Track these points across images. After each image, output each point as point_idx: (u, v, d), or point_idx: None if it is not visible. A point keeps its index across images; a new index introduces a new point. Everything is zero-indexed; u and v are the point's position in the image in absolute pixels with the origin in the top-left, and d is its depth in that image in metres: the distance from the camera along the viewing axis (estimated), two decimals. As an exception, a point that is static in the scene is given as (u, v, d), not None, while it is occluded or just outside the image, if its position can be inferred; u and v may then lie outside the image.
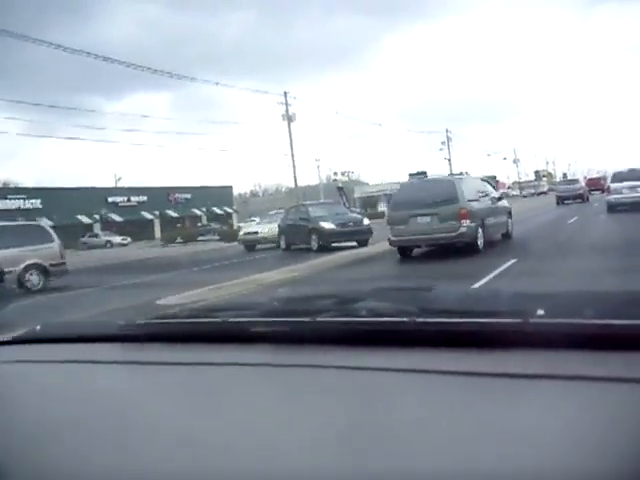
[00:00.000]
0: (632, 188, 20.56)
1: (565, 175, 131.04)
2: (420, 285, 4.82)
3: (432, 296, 1.78)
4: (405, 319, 1.15)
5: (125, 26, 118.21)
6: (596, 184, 45.63)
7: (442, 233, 12.63)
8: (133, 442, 0.91)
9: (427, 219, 12.91)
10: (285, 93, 41.48)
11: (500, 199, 16.05)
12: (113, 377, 1.29)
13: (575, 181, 43.69)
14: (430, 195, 13.03)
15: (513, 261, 10.62)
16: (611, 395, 0.85)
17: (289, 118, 41.43)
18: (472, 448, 0.76)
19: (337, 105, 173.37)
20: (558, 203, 35.58)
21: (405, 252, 13.71)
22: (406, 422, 0.87)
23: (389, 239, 13.71)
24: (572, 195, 36.67)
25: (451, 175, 15.99)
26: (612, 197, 21.45)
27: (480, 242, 12.90)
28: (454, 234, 12.55)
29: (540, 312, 1.09)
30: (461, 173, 16.44)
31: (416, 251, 13.89)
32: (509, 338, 1.03)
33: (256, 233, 24.87)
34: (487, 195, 14.68)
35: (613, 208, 20.84)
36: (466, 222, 12.58)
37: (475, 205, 13.23)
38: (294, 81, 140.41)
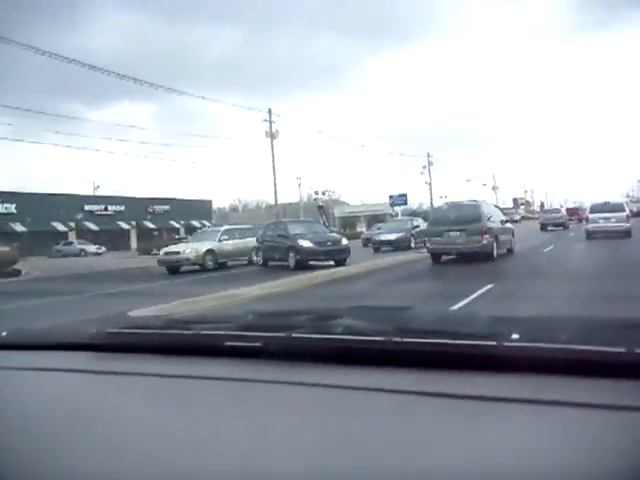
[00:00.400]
0: (606, 219, 23.78)
1: (543, 204, 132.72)
2: (397, 305, 4.85)
3: (409, 316, 1.78)
4: (381, 338, 1.15)
5: (111, 35, 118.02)
6: (574, 213, 51.89)
7: (468, 244, 16.70)
8: (101, 453, 0.89)
9: (457, 234, 16.98)
10: (269, 110, 41.64)
11: (507, 222, 19.91)
12: (82, 386, 1.27)
13: (558, 210, 47.97)
14: (459, 215, 17.21)
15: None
16: (579, 421, 0.85)
17: (272, 135, 41.54)
18: (443, 467, 0.76)
19: (320, 124, 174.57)
20: (542, 229, 38.46)
21: (438, 258, 17.63)
22: (379, 442, 0.86)
23: (427, 247, 18.05)
24: (555, 223, 40.07)
25: (450, 201, 20.51)
26: (590, 226, 24.40)
27: (495, 252, 17.07)
28: (478, 245, 16.62)
29: (515, 336, 1.10)
30: (441, 197, 20.67)
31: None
32: (483, 360, 1.04)
33: (178, 253, 22.03)
34: (498, 218, 18.80)
35: (591, 235, 23.83)
36: (486, 237, 16.68)
37: (492, 225, 17.35)
38: (278, 99, 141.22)
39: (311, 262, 18.99)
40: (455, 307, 8.44)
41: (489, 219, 17.33)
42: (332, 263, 19.06)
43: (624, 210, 24.28)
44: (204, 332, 1.42)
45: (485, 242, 16.63)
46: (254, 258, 22.32)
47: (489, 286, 10.59)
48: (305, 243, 19.37)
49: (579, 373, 0.96)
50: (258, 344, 1.25)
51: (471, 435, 0.85)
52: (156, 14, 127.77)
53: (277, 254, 20.45)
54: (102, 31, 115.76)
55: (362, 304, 5.66)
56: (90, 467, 0.85)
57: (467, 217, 17.05)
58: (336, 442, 0.87)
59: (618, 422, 0.84)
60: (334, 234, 22.79)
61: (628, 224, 23.19)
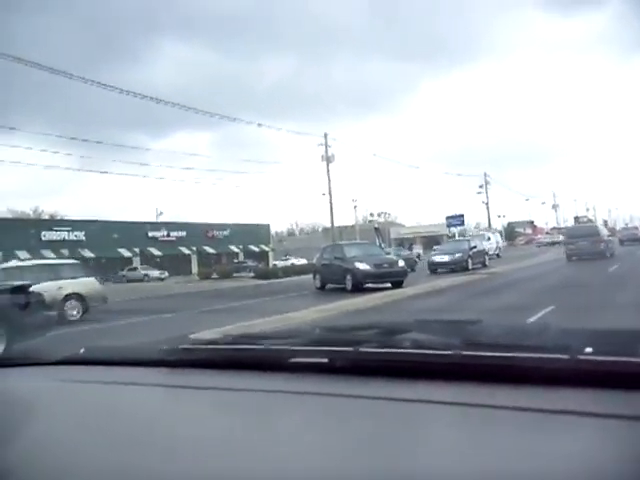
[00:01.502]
0: None
1: (606, 222, 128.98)
2: (464, 318, 4.77)
3: (477, 329, 1.76)
4: (450, 352, 1.14)
5: (170, 68, 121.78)
6: None
7: (593, 249, 26.68)
8: (177, 464, 0.91)
9: (585, 242, 27.23)
10: (325, 134, 42.04)
11: (610, 236, 31.53)
12: (155, 400, 1.31)
13: (636, 227, 55.24)
14: (585, 232, 28.79)
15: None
16: None
17: (328, 159, 41.91)
18: None
19: (375, 147, 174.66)
20: (621, 244, 43.53)
21: (571, 258, 27.45)
22: (449, 456, 0.85)
23: (566, 252, 28.32)
24: (631, 238, 45.84)
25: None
26: None
27: (608, 254, 27.41)
28: (598, 250, 26.78)
29: (588, 349, 1.07)
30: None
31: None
32: (555, 374, 1.02)
33: None
34: (606, 234, 30.56)
35: None
36: (603, 244, 27.70)
37: (606, 237, 29.18)
38: (333, 123, 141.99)
39: (368, 284, 18.90)
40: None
41: (606, 234, 29.56)
42: (389, 285, 18.92)
43: None
44: (273, 347, 1.44)
45: (603, 247, 27.65)
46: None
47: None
48: (362, 265, 19.28)
49: None
50: (325, 359, 1.26)
51: (548, 450, 0.83)
52: (211, 44, 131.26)
53: (334, 276, 20.43)
54: (161, 65, 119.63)
55: (427, 318, 5.59)
56: (169, 477, 0.87)
57: (590, 232, 28.77)
58: (409, 456, 0.87)
59: None
60: (391, 256, 22.65)
61: None
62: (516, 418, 0.94)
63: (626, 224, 74.00)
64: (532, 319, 9.07)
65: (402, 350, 1.25)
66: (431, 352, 1.19)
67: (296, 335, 1.72)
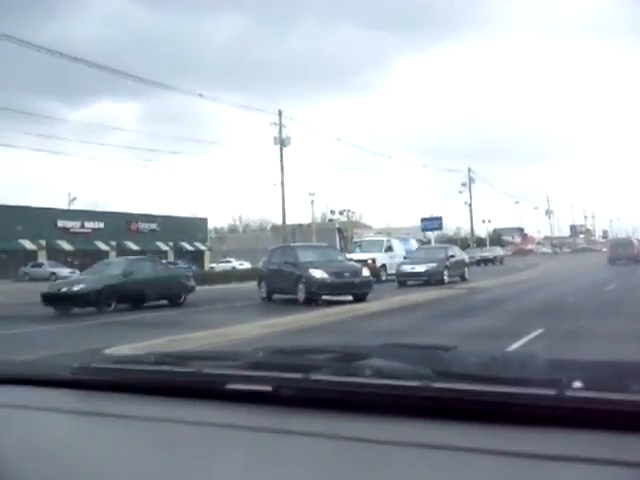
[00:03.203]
0: None
1: (606, 232, 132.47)
2: (437, 343, 4.77)
3: (452, 357, 1.78)
4: (418, 383, 1.15)
5: (93, 24, 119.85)
6: None
7: (627, 255, 44.85)
8: None
9: (622, 250, 46.52)
10: (279, 112, 41.96)
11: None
12: (63, 427, 1.29)
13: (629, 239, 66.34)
14: (624, 243, 50.71)
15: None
16: None
17: (282, 141, 41.83)
18: None
19: (340, 132, 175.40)
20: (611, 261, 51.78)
21: (614, 261, 43.41)
22: None
23: (608, 257, 46.13)
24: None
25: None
26: None
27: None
28: (632, 254, 45.26)
29: (577, 384, 1.10)
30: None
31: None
32: (540, 412, 1.04)
33: None
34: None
35: None
36: (637, 250, 46.83)
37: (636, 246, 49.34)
38: (290, 101, 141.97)
39: (325, 296, 18.82)
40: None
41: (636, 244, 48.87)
42: (350, 298, 18.91)
43: None
44: (205, 371, 1.43)
45: (635, 252, 44.77)
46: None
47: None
48: (318, 273, 19.17)
49: None
50: (269, 387, 1.25)
51: None
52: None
53: (284, 285, 20.31)
54: (82, 19, 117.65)
55: (395, 342, 5.61)
56: None
57: (628, 243, 49.14)
58: None
59: None
60: (353, 263, 22.72)
61: None
62: (493, 463, 0.96)
63: (628, 236, 78.50)
64: (517, 344, 9.23)
65: (361, 380, 1.25)
66: (395, 383, 1.20)
67: (233, 357, 1.72)
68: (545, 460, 0.94)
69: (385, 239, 36.47)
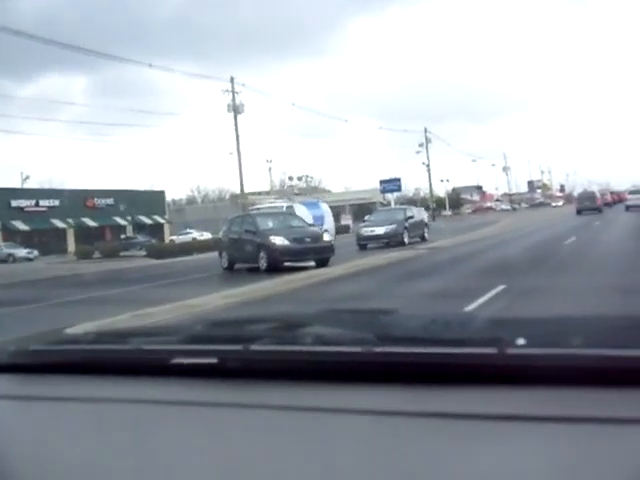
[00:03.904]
0: (636, 196, 50.44)
1: (563, 187, 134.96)
2: (378, 307, 4.84)
3: (393, 321, 1.78)
4: (359, 348, 1.15)
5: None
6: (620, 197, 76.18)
7: (592, 206, 50.59)
8: None
9: (588, 202, 52.14)
10: (232, 79, 41.57)
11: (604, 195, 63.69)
12: (3, 414, 1.26)
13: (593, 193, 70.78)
14: (590, 196, 56.34)
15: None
16: (602, 437, 0.85)
17: (236, 109, 41.53)
18: None
19: (294, 97, 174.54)
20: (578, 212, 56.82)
21: (581, 212, 48.95)
22: (359, 474, 0.85)
23: (577, 208, 51.14)
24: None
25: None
26: (628, 202, 50.43)
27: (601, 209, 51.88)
28: (596, 205, 51.54)
29: (520, 341, 1.10)
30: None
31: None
32: (481, 372, 1.03)
33: None
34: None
35: (627, 208, 47.65)
36: (599, 202, 53.32)
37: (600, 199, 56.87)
38: (242, 67, 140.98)
39: (287, 263, 18.92)
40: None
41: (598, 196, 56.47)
42: (312, 264, 19.02)
43: None
44: (146, 347, 1.41)
45: (598, 204, 51.67)
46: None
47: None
48: (278, 240, 19.18)
49: (599, 383, 0.95)
50: (211, 360, 1.24)
51: (471, 461, 0.84)
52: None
53: (245, 254, 20.31)
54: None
55: (336, 308, 5.67)
56: None
57: (592, 195, 56.02)
58: (311, 476, 0.86)
59: None
60: (314, 228, 22.76)
61: None
62: (437, 425, 0.95)
63: (584, 189, 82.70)
64: (480, 301, 9.37)
65: (302, 348, 1.25)
66: (337, 349, 1.19)
67: (175, 331, 1.70)
68: (489, 420, 0.94)
69: (285, 204, 30.47)
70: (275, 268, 18.30)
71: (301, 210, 28.24)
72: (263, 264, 19.13)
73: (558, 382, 0.98)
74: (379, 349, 1.13)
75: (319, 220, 28.07)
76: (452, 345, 1.15)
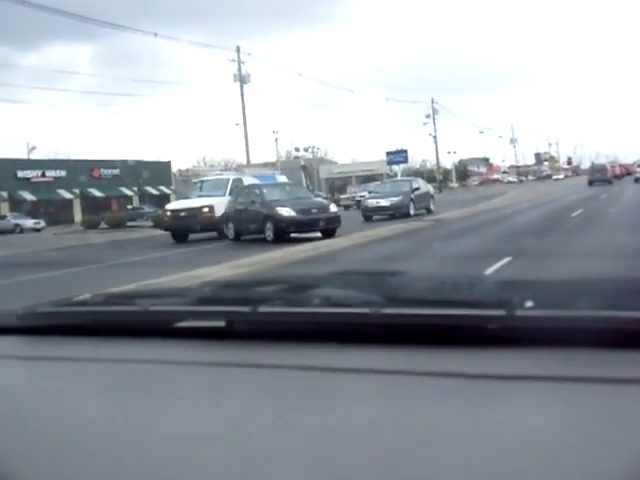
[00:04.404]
0: None
1: (570, 159, 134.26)
2: (386, 269, 4.85)
3: (401, 282, 1.79)
4: (367, 310, 1.14)
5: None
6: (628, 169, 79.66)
7: (603, 178, 55.31)
8: (38, 452, 0.89)
9: (599, 174, 57.98)
10: (238, 48, 41.26)
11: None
12: (9, 376, 1.27)
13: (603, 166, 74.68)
14: (600, 169, 61.15)
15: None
16: (610, 398, 0.85)
17: (242, 79, 41.28)
18: (450, 455, 0.76)
19: (300, 67, 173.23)
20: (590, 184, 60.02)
21: (592, 183, 53.38)
22: (369, 433, 0.85)
23: (588, 179, 56.91)
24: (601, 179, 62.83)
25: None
26: (637, 174, 52.36)
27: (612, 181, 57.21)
28: (606, 177, 56.71)
29: (529, 303, 1.09)
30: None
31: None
32: (491, 333, 1.03)
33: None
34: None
35: (637, 180, 49.92)
36: (609, 174, 58.32)
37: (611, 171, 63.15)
38: (248, 36, 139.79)
39: (293, 234, 18.94)
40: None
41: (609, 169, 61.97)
42: (318, 235, 18.98)
43: None
44: (154, 308, 1.41)
45: (609, 175, 57.64)
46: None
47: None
48: (285, 211, 19.18)
49: (607, 344, 0.95)
50: (219, 322, 1.24)
51: (479, 420, 0.85)
52: None
53: (251, 225, 20.28)
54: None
55: (344, 269, 5.66)
56: (27, 468, 0.85)
57: (602, 168, 60.80)
58: (322, 435, 0.86)
59: None
60: (320, 199, 22.71)
61: None
62: (446, 385, 0.96)
63: (592, 162, 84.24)
64: (486, 273, 9.36)
65: (310, 309, 1.25)
66: (345, 310, 1.19)
67: (182, 294, 1.70)
68: (497, 379, 0.94)
69: (232, 177, 25.68)
70: (281, 239, 18.32)
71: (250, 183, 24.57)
72: (270, 235, 19.18)
73: (566, 343, 0.98)
74: (387, 310, 1.13)
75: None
76: (460, 307, 1.15)
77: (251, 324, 1.23)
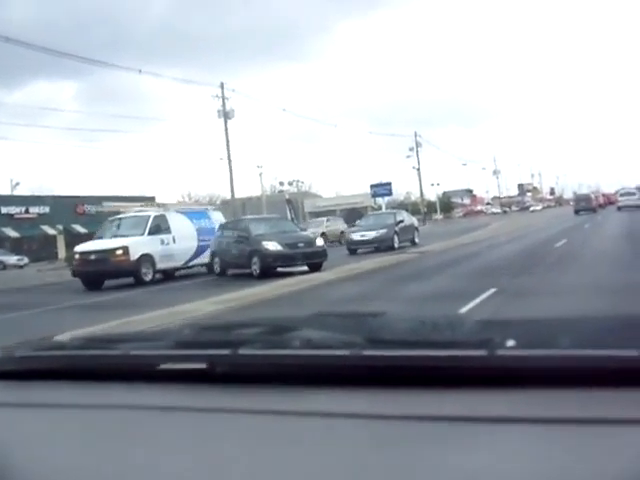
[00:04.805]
0: (627, 197, 55.78)
1: (553, 190, 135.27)
2: (367, 310, 4.84)
3: (382, 323, 1.78)
4: (348, 352, 1.14)
5: (22, 3, 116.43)
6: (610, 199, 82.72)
7: (588, 206, 58.70)
8: None
9: (584, 203, 60.67)
10: (222, 84, 41.54)
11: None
12: None
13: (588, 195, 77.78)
14: (585, 198, 65.20)
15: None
16: (593, 439, 0.85)
17: (226, 114, 41.51)
18: None
19: (284, 102, 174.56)
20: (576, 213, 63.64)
21: (578, 212, 56.65)
22: (351, 478, 0.85)
23: (574, 208, 60.20)
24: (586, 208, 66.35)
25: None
26: (619, 203, 55.43)
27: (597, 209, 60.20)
28: (591, 206, 59.29)
29: (510, 342, 1.09)
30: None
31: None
32: (472, 374, 1.03)
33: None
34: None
35: (620, 209, 52.05)
36: (594, 203, 62.34)
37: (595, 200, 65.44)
38: (232, 72, 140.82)
39: (279, 268, 18.85)
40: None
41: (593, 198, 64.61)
42: (305, 269, 18.90)
43: (636, 194, 55.59)
44: (134, 352, 1.40)
45: (593, 204, 60.07)
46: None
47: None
48: (271, 245, 19.12)
49: (588, 384, 0.95)
50: (199, 365, 1.23)
51: (462, 464, 0.84)
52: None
53: (238, 259, 20.22)
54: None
55: (324, 311, 5.65)
56: None
57: (587, 197, 64.57)
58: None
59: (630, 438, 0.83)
60: (306, 233, 22.68)
61: (639, 201, 52.23)
62: (428, 428, 0.95)
63: (574, 192, 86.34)
64: (471, 305, 9.37)
65: (291, 352, 1.24)
66: (325, 353, 1.19)
67: (162, 337, 1.69)
68: (479, 422, 0.93)
69: (153, 214, 22.22)
70: (268, 273, 18.24)
71: (176, 221, 22.55)
72: (256, 270, 19.06)
73: (548, 383, 0.98)
74: (368, 352, 1.13)
75: (208, 233, 22.67)
76: (441, 348, 1.14)
77: (232, 367, 1.22)
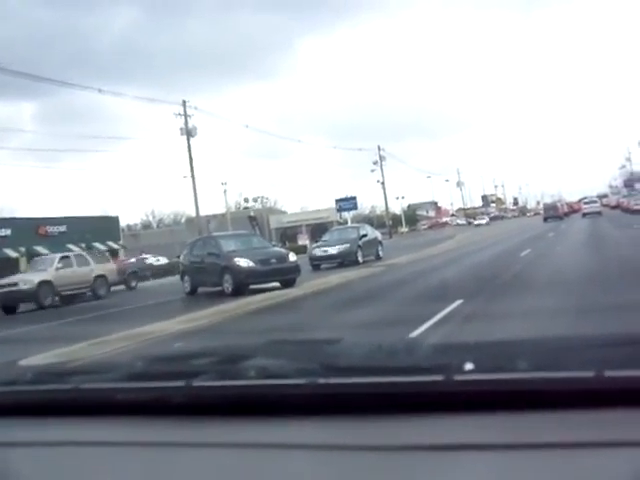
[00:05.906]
0: (590, 205, 63.54)
1: (516, 200, 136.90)
2: (323, 337, 4.81)
3: (337, 350, 1.77)
4: (304, 380, 1.12)
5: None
6: (574, 207, 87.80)
7: (555, 214, 65.02)
8: None
9: (552, 211, 67.57)
10: (184, 102, 41.44)
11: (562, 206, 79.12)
12: None
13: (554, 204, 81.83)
14: (553, 207, 72.96)
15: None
16: (550, 462, 0.84)
17: (188, 132, 41.43)
18: None
19: (248, 119, 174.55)
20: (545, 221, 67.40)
21: (547, 220, 62.20)
22: None
23: (543, 216, 66.98)
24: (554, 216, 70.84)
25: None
26: (584, 210, 62.32)
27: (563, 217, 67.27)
28: (558, 214, 65.86)
29: (468, 366, 1.08)
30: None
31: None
32: (429, 400, 1.01)
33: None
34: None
35: (584, 215, 59.33)
36: (560, 211, 70.15)
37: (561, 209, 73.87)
38: (194, 91, 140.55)
39: (253, 285, 18.48)
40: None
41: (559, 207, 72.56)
42: (278, 285, 18.53)
43: (597, 202, 64.51)
44: (86, 386, 1.36)
45: (559, 212, 66.53)
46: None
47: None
48: (243, 262, 18.72)
49: (545, 407, 0.94)
50: (149, 397, 1.21)
51: None
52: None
53: (209, 277, 19.76)
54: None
55: (280, 338, 5.63)
56: None
57: (554, 206, 71.63)
58: None
59: (594, 460, 0.82)
60: (279, 249, 22.43)
61: (600, 208, 61.24)
62: (385, 457, 0.93)
63: (538, 202, 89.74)
64: (440, 315, 9.40)
65: (245, 382, 1.22)
66: (280, 382, 1.17)
67: (113, 369, 1.66)
68: (438, 450, 0.92)
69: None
70: (241, 291, 17.85)
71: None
72: (228, 287, 18.61)
73: (506, 407, 0.96)
74: (323, 380, 1.11)
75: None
76: (398, 374, 1.13)
77: (185, 399, 1.19)
